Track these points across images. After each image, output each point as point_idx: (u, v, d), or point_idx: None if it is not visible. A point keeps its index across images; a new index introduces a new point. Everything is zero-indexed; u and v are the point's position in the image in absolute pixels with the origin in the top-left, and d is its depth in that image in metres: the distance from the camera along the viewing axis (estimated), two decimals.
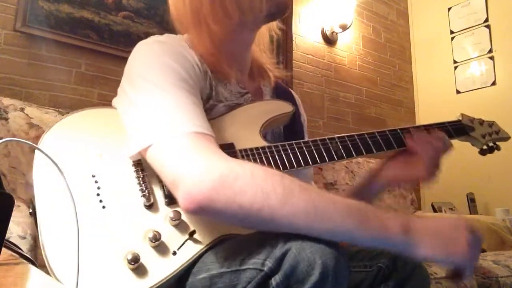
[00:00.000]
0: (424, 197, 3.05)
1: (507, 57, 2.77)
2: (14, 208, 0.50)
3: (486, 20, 2.88)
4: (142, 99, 0.70)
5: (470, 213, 2.58)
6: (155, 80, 0.70)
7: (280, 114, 0.87)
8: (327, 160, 0.82)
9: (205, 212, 0.59)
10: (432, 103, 3.10)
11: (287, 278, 0.54)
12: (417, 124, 3.19)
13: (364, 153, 0.86)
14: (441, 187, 2.93)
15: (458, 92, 2.96)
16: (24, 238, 0.93)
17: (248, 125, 0.83)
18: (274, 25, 0.95)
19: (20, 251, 0.65)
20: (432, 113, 3.05)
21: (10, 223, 0.50)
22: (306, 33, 2.67)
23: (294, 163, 0.79)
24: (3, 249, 0.49)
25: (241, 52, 0.90)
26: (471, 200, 2.64)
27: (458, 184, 2.78)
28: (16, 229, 0.94)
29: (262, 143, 0.81)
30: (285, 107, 0.89)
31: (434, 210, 2.63)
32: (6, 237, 0.50)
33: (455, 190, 2.77)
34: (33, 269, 0.50)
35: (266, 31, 0.95)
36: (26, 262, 0.55)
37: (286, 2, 0.84)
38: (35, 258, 0.63)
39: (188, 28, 0.84)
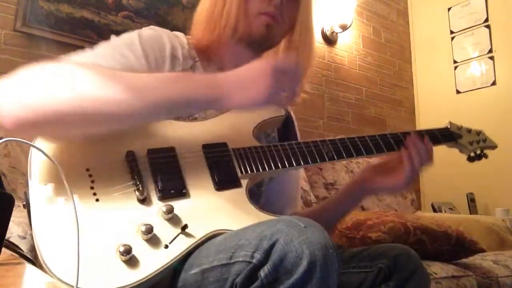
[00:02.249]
0: (424, 197, 3.05)
1: (507, 57, 2.77)
2: (14, 208, 0.50)
3: (486, 20, 2.88)
4: None
5: (470, 213, 2.58)
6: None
7: (272, 118, 0.89)
8: (318, 161, 0.85)
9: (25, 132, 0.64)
10: (432, 103, 3.10)
11: (275, 269, 0.55)
12: (417, 125, 3.20)
13: (355, 155, 0.88)
14: (441, 187, 2.94)
15: (458, 92, 2.96)
16: (24, 238, 0.93)
17: (241, 126, 0.85)
18: None
19: (20, 251, 0.65)
20: (432, 113, 3.05)
21: (10, 223, 0.50)
22: None
23: (286, 162, 0.81)
24: (3, 249, 0.49)
25: (240, 62, 0.91)
26: (471, 200, 2.64)
27: (458, 184, 2.78)
28: (16, 229, 0.94)
29: (254, 143, 0.83)
30: (277, 111, 0.91)
31: (434, 210, 2.63)
32: (6, 237, 0.50)
33: (455, 190, 2.77)
34: (33, 269, 0.50)
35: None
36: (26, 262, 0.55)
37: (262, 33, 0.86)
38: (35, 258, 0.63)
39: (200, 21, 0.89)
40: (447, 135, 1.02)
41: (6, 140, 0.49)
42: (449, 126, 1.06)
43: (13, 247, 0.65)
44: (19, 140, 0.54)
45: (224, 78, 0.70)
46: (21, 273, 0.48)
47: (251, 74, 0.70)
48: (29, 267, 0.51)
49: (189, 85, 0.68)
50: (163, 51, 0.82)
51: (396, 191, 0.93)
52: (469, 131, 1.07)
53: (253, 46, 0.90)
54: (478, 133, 1.08)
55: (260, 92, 0.68)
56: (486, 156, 1.07)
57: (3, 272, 0.46)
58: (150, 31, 0.84)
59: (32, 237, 0.67)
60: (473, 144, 1.05)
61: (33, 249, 0.80)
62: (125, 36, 0.81)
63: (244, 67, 0.71)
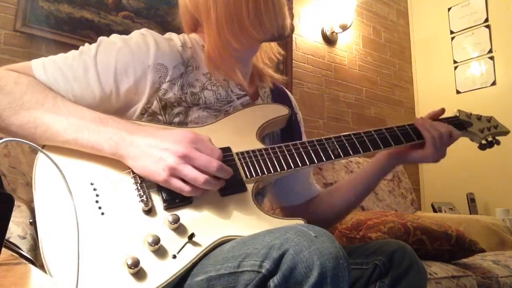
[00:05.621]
0: (424, 197, 3.05)
1: (507, 57, 2.76)
2: (14, 208, 0.50)
3: (486, 20, 2.88)
4: None
5: (470, 213, 2.58)
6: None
7: (276, 117, 0.88)
8: (324, 160, 0.83)
9: None
10: (432, 103, 3.10)
11: (285, 279, 0.54)
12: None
13: (361, 151, 0.86)
14: (441, 187, 2.93)
15: (458, 92, 2.96)
16: (24, 238, 0.93)
17: (244, 129, 0.84)
18: (274, 48, 1.01)
19: (20, 251, 0.65)
20: None
21: (10, 223, 0.50)
22: (306, 33, 2.67)
23: (292, 163, 0.80)
24: (3, 249, 0.49)
25: (248, 58, 0.94)
26: (471, 200, 2.64)
27: (458, 184, 2.78)
28: (16, 229, 0.94)
29: (259, 145, 0.81)
30: (280, 110, 0.90)
31: (434, 210, 2.63)
32: (6, 237, 0.50)
33: (455, 190, 2.77)
34: (33, 269, 0.50)
35: (265, 45, 1.01)
36: (26, 262, 0.55)
37: (293, 29, 0.91)
38: (35, 258, 0.63)
39: (212, 31, 0.84)
40: (456, 124, 0.99)
41: (6, 140, 0.48)
42: (458, 114, 1.03)
43: (13, 247, 0.65)
44: (19, 140, 0.54)
45: (133, 140, 0.69)
46: (21, 273, 0.48)
47: (160, 148, 0.68)
48: (29, 267, 0.51)
49: (98, 140, 0.70)
50: (144, 62, 0.79)
51: (425, 161, 0.95)
52: (479, 118, 1.04)
53: (262, 42, 0.93)
54: (489, 119, 1.05)
55: (156, 172, 0.67)
56: (498, 143, 1.04)
57: (3, 272, 0.46)
58: (135, 40, 0.80)
59: (32, 237, 0.67)
60: (484, 131, 1.02)
61: (33, 249, 0.80)
62: (105, 47, 0.79)
63: (162, 136, 0.70)
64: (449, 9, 3.09)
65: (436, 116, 0.99)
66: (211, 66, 0.85)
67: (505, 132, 1.06)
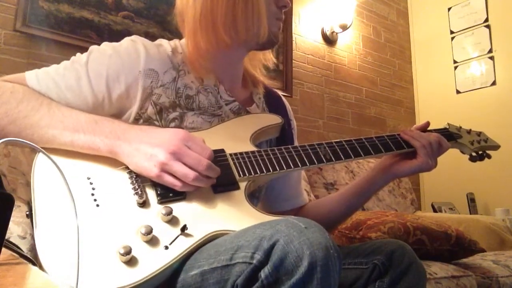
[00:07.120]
0: (424, 197, 3.05)
1: (507, 57, 2.76)
2: (14, 208, 0.50)
3: (486, 20, 2.88)
4: None
5: (470, 213, 2.58)
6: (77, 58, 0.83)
7: (269, 126, 0.91)
8: (316, 163, 0.85)
9: None
10: (432, 103, 3.10)
11: (276, 269, 0.55)
12: (416, 125, 3.19)
13: (352, 157, 0.89)
14: (441, 187, 2.94)
15: (458, 92, 2.96)
16: (24, 238, 0.93)
17: (238, 134, 0.87)
18: (267, 55, 1.01)
19: (20, 251, 0.65)
20: (432, 113, 3.05)
21: (10, 223, 0.50)
22: (306, 33, 2.67)
23: (284, 165, 0.82)
24: (3, 249, 0.49)
25: (233, 64, 0.95)
26: (471, 200, 2.64)
27: (458, 184, 2.78)
28: (16, 229, 0.94)
29: (252, 149, 0.84)
30: (274, 119, 0.93)
31: (434, 210, 2.63)
32: (6, 237, 0.50)
33: (455, 190, 2.77)
34: (33, 269, 0.50)
35: (259, 52, 1.00)
36: (26, 262, 0.55)
37: (278, 37, 0.91)
38: (35, 258, 0.64)
39: (190, 28, 0.86)
40: (446, 135, 1.02)
41: (6, 140, 0.48)
42: (448, 127, 1.06)
43: (13, 247, 0.65)
44: (19, 140, 0.54)
45: (127, 138, 0.72)
46: (21, 273, 0.48)
47: (153, 145, 0.70)
48: (29, 267, 0.51)
49: (94, 140, 0.72)
50: (135, 68, 0.81)
51: (417, 171, 0.97)
52: (468, 131, 1.07)
53: (251, 48, 0.93)
54: (479, 134, 1.08)
55: (149, 168, 0.70)
56: (489, 157, 1.06)
57: (3, 272, 0.46)
58: (125, 47, 0.83)
59: (32, 237, 0.67)
60: (473, 143, 1.05)
61: (33, 249, 0.80)
62: (96, 55, 0.81)
63: (155, 134, 0.72)
64: (449, 9, 3.09)
65: (422, 129, 1.01)
66: (190, 66, 0.87)
67: (496, 147, 1.08)
